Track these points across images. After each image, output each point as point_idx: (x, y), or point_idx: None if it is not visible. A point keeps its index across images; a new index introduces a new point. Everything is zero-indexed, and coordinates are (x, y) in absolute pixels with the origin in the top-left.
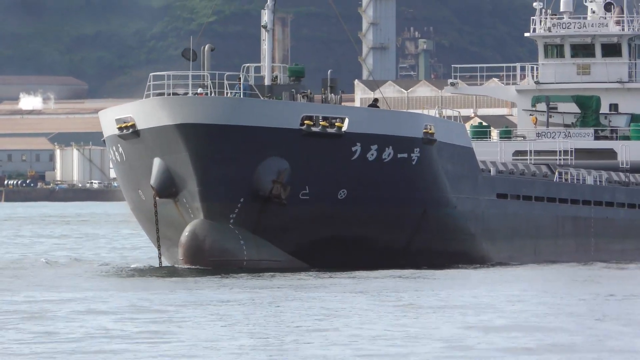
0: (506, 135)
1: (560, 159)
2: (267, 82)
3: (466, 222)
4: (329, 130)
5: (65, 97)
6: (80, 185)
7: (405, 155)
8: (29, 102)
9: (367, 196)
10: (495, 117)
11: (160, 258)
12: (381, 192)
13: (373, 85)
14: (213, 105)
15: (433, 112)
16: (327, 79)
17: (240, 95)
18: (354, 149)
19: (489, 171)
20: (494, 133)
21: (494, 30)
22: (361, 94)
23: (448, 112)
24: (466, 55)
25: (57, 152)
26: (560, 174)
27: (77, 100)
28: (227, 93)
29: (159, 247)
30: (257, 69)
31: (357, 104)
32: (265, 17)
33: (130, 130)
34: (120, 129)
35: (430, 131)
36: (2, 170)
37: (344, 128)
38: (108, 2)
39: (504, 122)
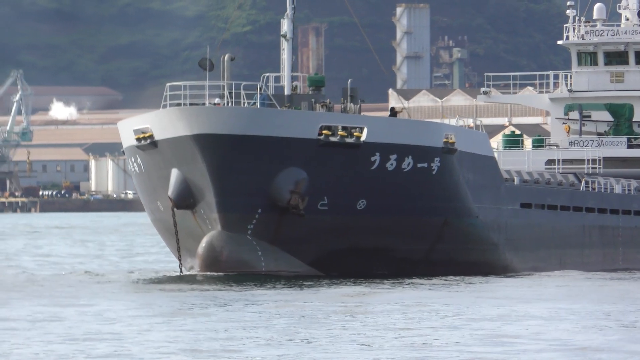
0: (539, 144)
1: (588, 168)
2: (286, 91)
3: (488, 232)
4: (348, 140)
5: (99, 108)
6: (114, 195)
7: (425, 164)
8: (64, 112)
9: (386, 206)
10: (529, 125)
11: (181, 270)
12: (401, 202)
13: (406, 93)
14: (230, 116)
15: (454, 121)
16: (347, 88)
17: (257, 105)
18: (372, 158)
19: (513, 181)
20: (528, 142)
21: (528, 38)
22: (395, 103)
23: (469, 121)
24: (501, 64)
25: (92, 163)
26: (587, 182)
27: (111, 111)
28: (244, 103)
29: (179, 258)
30: (277, 79)
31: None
32: (285, 26)
33: (148, 141)
34: (138, 139)
35: (450, 140)
36: (37, 180)
37: (363, 138)
38: (142, 11)
39: (539, 131)
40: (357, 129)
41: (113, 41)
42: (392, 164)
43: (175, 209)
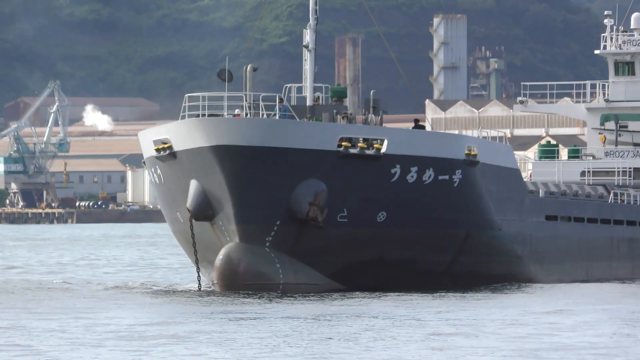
0: (574, 154)
1: (618, 179)
2: (308, 102)
3: (512, 244)
4: (367, 151)
5: (136, 119)
6: (151, 206)
7: (446, 177)
8: (100, 120)
9: (407, 218)
10: (567, 136)
11: (199, 281)
12: (422, 215)
13: (443, 104)
14: (248, 127)
15: (474, 133)
16: (369, 99)
17: (276, 117)
18: (393, 170)
19: (538, 193)
20: (564, 152)
21: (566, 49)
22: (432, 114)
23: (492, 133)
24: (538, 75)
25: (129, 174)
26: (615, 194)
27: (148, 122)
28: (262, 114)
29: (198, 270)
30: (300, 89)
31: (428, 123)
32: (307, 36)
33: (167, 151)
34: (157, 150)
35: (472, 152)
36: (73, 191)
37: (383, 149)
38: (180, 22)
39: (576, 142)
40: (378, 141)
41: (150, 52)
42: (412, 176)
43: (193, 221)
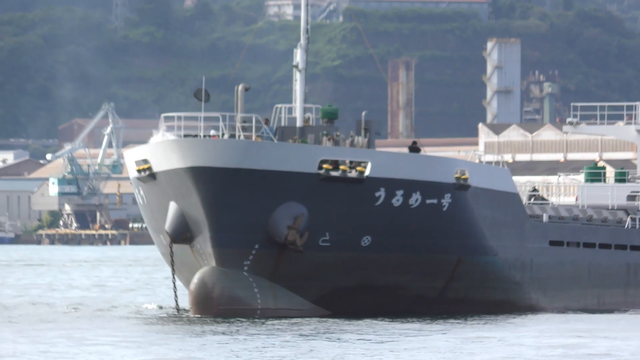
0: (621, 177)
1: (639, 203)
2: (298, 123)
3: (510, 270)
4: (350, 174)
5: None
6: None
7: (434, 200)
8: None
9: (393, 243)
10: (621, 161)
11: (177, 303)
12: (409, 239)
13: (496, 128)
14: (225, 148)
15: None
16: (360, 121)
17: (254, 138)
18: (377, 194)
19: (541, 218)
20: (611, 175)
21: (620, 73)
22: (485, 138)
23: (488, 157)
24: (592, 99)
25: None
26: (633, 219)
27: None
28: (239, 136)
29: (175, 291)
30: (291, 111)
31: (481, 147)
32: (298, 56)
33: (147, 172)
34: (138, 171)
35: (463, 176)
36: (126, 213)
37: (367, 172)
38: (233, 45)
39: (629, 166)
40: (363, 164)
41: (204, 74)
42: (398, 200)
43: (173, 243)
